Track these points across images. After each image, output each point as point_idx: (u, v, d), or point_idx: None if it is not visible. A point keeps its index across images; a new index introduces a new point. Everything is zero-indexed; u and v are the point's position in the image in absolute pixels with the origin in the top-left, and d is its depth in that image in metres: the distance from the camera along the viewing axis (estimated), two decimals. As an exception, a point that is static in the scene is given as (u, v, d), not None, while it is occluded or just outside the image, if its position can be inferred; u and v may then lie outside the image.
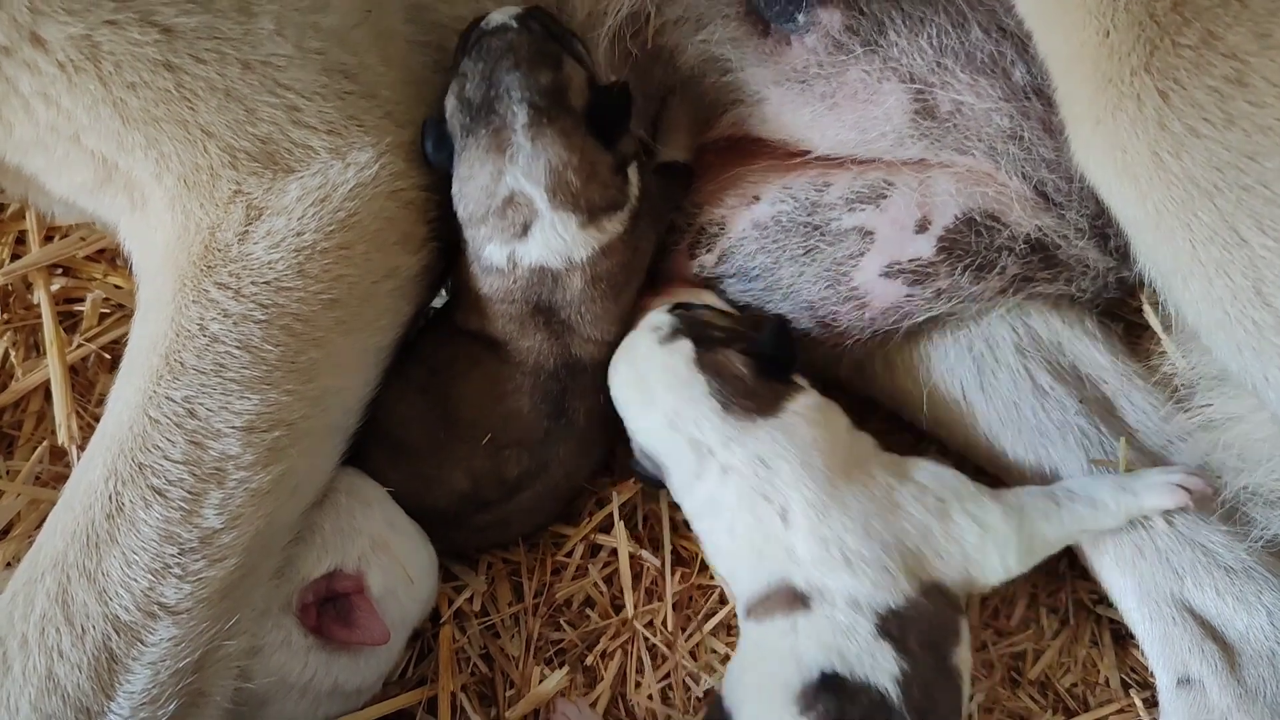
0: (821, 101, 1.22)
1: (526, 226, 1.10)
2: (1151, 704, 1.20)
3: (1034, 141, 1.17)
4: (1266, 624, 1.09)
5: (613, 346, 1.17)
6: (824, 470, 1.05)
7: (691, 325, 1.13)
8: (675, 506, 1.24)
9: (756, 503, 1.06)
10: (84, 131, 1.00)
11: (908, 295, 1.21)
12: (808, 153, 1.24)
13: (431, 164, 1.12)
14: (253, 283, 1.01)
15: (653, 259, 1.25)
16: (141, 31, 0.98)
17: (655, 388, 1.10)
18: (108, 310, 1.37)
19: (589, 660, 1.22)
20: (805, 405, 1.09)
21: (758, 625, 1.06)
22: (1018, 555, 1.07)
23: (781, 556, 1.05)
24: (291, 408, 1.01)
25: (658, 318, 1.14)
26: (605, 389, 1.16)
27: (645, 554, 1.25)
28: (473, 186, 1.11)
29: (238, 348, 1.00)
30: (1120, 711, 1.21)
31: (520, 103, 1.08)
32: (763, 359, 1.10)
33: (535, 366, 1.16)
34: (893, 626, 1.02)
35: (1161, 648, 1.13)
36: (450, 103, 1.12)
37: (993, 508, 1.07)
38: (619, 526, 1.25)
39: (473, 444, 1.16)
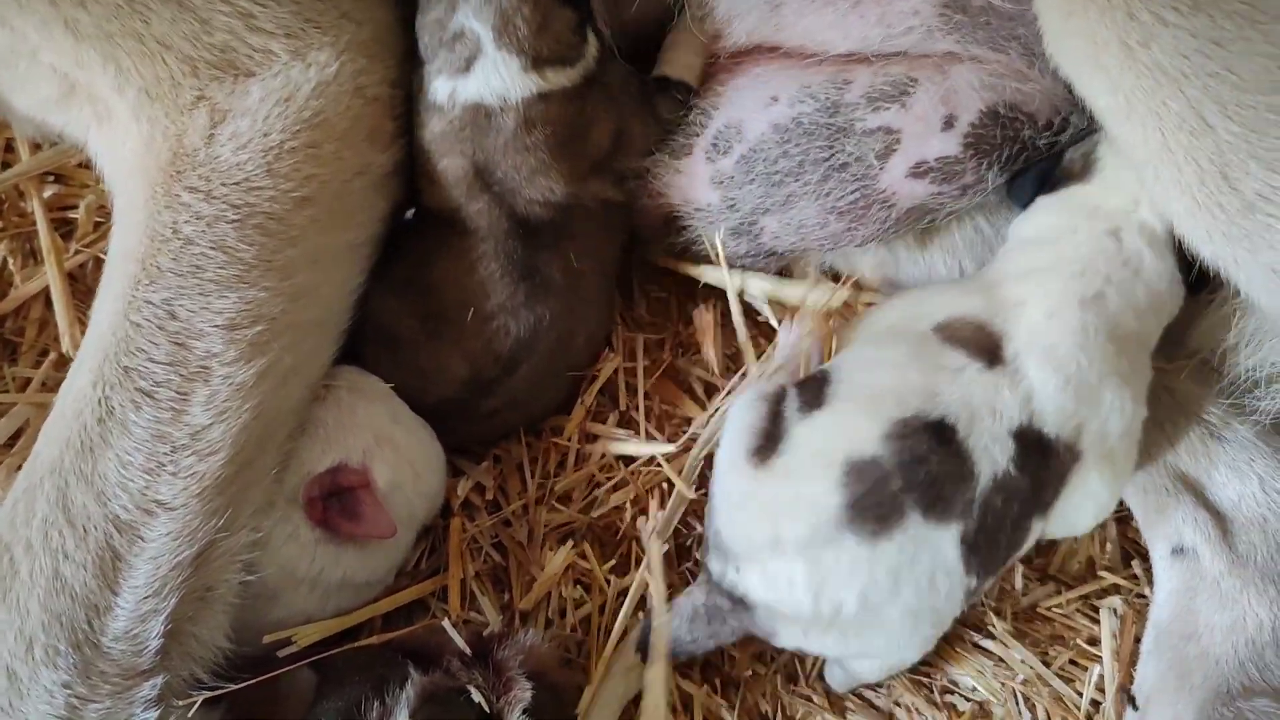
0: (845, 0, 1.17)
1: (470, 61, 1.12)
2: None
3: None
4: (1259, 491, 1.09)
5: (560, 210, 1.17)
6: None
7: None
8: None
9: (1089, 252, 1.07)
10: (39, 49, 1.00)
11: (935, 194, 1.17)
12: (825, 53, 1.19)
13: None
14: (223, 184, 1.01)
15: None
16: None
17: None
18: (101, 218, 1.36)
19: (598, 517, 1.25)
20: None
21: (933, 337, 1.06)
22: None
23: (1014, 311, 1.05)
24: (270, 303, 1.02)
25: None
26: (575, 247, 1.18)
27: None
28: (429, 19, 1.13)
29: (212, 248, 1.00)
30: (1119, 583, 1.22)
31: None
32: None
33: (490, 229, 1.17)
34: (1028, 439, 1.01)
35: (1157, 517, 1.14)
36: None
37: None
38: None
39: (460, 325, 1.17)
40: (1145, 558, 1.22)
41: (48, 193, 1.37)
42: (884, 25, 1.15)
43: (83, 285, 1.34)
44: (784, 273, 1.30)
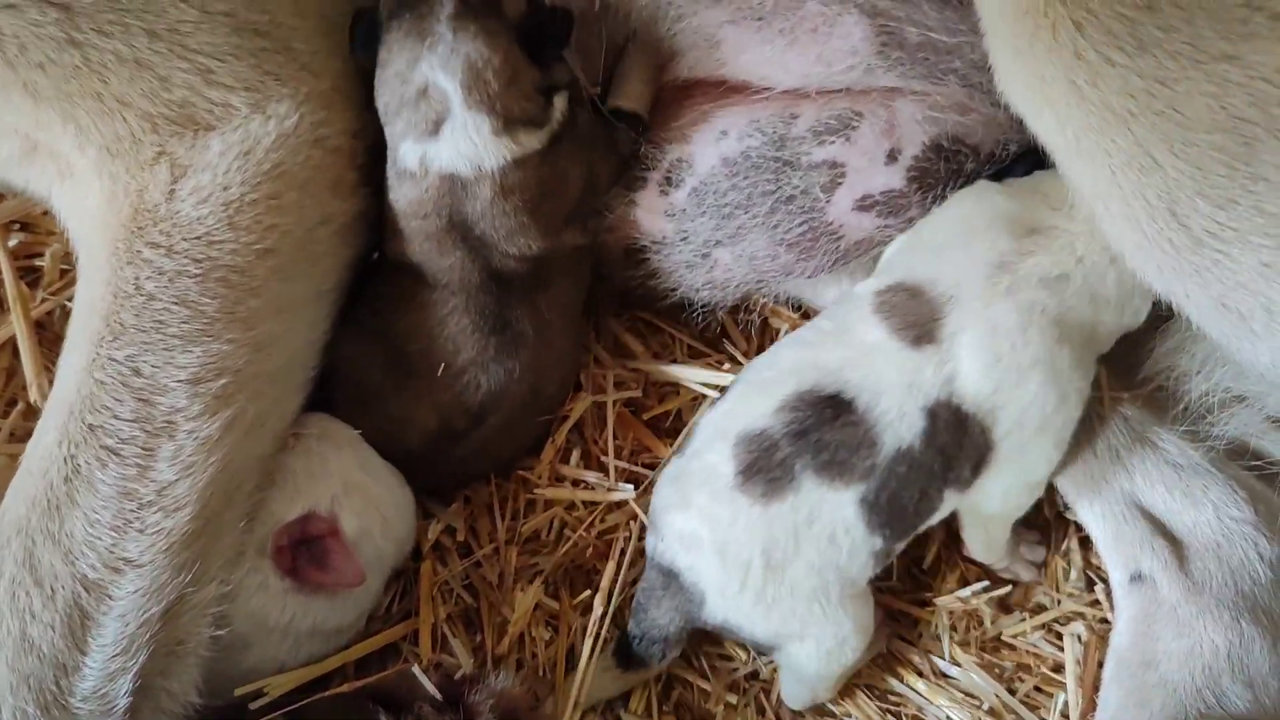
0: (781, 38, 1.18)
1: (438, 123, 1.09)
2: (1114, 599, 1.21)
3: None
4: (1213, 518, 1.11)
5: (535, 262, 1.17)
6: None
7: None
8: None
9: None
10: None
11: (881, 226, 1.19)
12: (771, 89, 1.21)
13: (357, 58, 1.12)
14: (184, 239, 1.01)
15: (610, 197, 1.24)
16: (41, 11, 0.98)
17: None
18: (67, 265, 1.36)
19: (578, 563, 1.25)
20: None
21: (867, 301, 1.09)
22: None
23: (971, 277, 1.06)
24: (235, 355, 1.03)
25: None
26: (545, 298, 1.19)
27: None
28: (389, 73, 1.10)
29: (175, 304, 1.01)
30: (1083, 610, 1.23)
31: None
32: None
33: (462, 283, 1.16)
34: (943, 415, 1.04)
35: (1114, 544, 1.15)
36: None
37: None
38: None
39: (429, 378, 1.17)
40: (1109, 582, 1.23)
41: (13, 241, 1.36)
42: (824, 63, 1.17)
43: (50, 333, 1.33)
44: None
